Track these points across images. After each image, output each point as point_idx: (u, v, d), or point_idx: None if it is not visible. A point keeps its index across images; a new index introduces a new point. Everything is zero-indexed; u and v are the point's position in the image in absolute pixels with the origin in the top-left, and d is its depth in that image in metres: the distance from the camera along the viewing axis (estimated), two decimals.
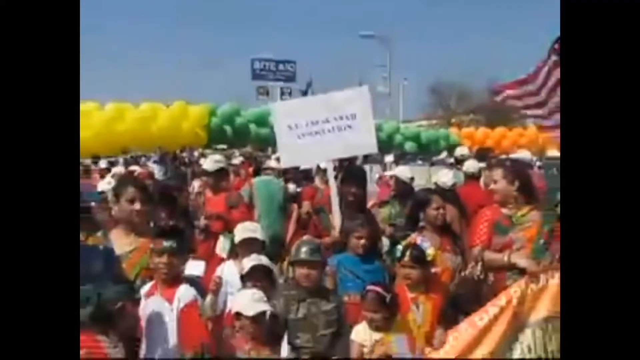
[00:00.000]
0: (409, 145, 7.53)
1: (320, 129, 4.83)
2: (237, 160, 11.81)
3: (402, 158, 13.44)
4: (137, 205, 3.65)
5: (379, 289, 3.52)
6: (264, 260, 3.82)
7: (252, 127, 6.67)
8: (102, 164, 10.41)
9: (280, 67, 33.72)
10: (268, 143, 13.64)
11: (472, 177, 7.11)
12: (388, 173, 7.02)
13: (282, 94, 30.93)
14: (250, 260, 3.78)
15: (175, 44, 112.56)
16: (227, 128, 6.81)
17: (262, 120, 6.71)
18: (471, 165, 7.26)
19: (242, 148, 14.74)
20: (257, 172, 8.33)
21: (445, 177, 6.37)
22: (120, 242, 3.64)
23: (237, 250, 4.16)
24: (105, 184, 7.05)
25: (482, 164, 7.11)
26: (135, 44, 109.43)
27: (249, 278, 3.69)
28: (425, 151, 7.91)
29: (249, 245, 4.05)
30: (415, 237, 3.89)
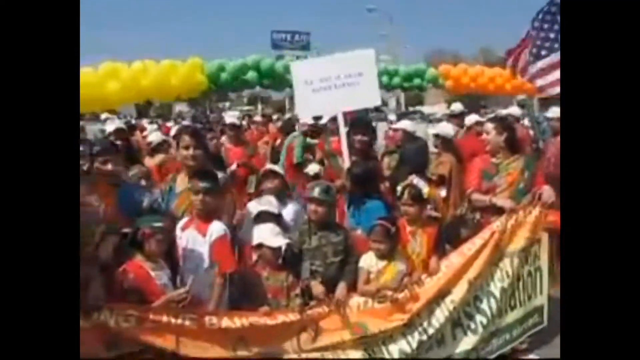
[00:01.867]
0: (394, 80, 8.03)
1: (331, 84, 5.36)
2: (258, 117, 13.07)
3: (405, 115, 14.16)
4: (190, 151, 4.22)
5: (385, 222, 4.11)
6: (273, 203, 4.43)
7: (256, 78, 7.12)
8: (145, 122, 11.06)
9: (296, 37, 36.28)
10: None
11: (468, 129, 7.94)
12: (394, 126, 7.57)
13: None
14: (260, 205, 4.42)
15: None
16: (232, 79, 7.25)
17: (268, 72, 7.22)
18: (468, 119, 8.14)
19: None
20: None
21: (446, 128, 6.96)
22: (179, 183, 4.27)
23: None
24: (154, 135, 7.75)
25: (477, 117, 7.97)
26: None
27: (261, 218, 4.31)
28: (408, 84, 8.51)
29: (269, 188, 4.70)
30: (413, 179, 4.42)
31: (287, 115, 16.20)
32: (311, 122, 7.02)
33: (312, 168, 5.57)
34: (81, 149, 3.78)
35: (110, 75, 6.10)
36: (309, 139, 6.85)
